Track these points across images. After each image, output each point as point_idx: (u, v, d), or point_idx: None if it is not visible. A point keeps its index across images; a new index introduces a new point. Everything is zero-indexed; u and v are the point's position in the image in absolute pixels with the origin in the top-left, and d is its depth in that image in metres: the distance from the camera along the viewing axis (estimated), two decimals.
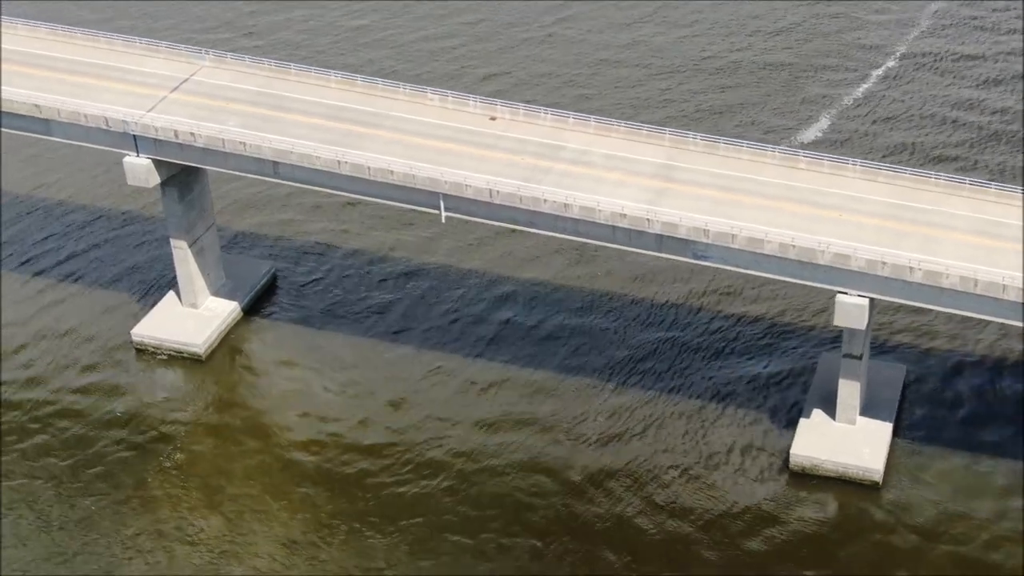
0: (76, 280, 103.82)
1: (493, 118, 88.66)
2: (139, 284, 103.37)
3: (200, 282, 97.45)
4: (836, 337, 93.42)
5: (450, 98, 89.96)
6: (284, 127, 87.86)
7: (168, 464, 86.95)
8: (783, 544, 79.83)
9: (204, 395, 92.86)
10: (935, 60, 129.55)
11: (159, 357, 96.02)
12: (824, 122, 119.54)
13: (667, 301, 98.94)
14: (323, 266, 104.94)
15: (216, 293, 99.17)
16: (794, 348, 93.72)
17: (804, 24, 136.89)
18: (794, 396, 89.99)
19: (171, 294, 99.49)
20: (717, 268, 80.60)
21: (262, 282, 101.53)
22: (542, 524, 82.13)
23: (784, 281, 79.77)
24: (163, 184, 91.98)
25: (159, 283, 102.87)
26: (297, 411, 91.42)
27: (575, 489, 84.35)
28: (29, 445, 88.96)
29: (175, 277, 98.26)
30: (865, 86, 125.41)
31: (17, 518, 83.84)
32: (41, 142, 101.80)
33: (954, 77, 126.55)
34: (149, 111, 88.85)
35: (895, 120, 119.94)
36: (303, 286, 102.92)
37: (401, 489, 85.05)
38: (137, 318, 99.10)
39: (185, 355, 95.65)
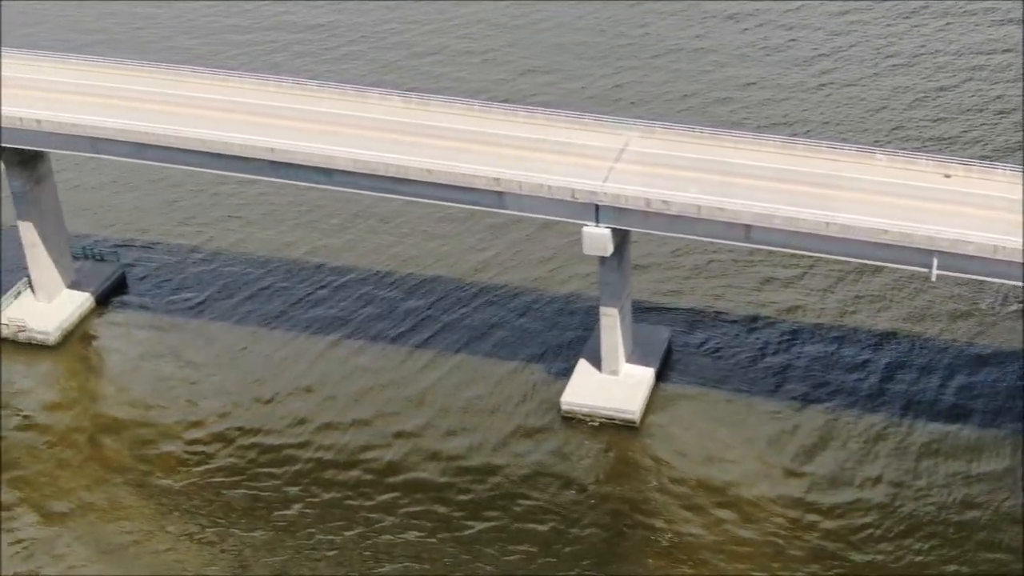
0: (461, 351, 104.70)
1: (947, 175, 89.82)
2: (515, 350, 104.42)
3: (620, 349, 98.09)
4: None
5: (900, 156, 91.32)
6: (741, 192, 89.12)
7: (664, 543, 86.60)
8: None
9: (656, 465, 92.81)
10: None
11: (590, 424, 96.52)
12: None
13: None
14: (711, 329, 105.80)
15: (628, 360, 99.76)
16: None
17: None
18: None
19: (583, 362, 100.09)
20: None
21: (664, 347, 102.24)
22: None
23: None
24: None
25: (534, 349, 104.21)
26: (753, 481, 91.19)
27: None
28: (497, 533, 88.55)
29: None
30: None
31: None
32: None
33: None
34: (605, 181, 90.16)
35: None
36: (698, 349, 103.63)
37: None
38: (535, 386, 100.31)
39: (618, 422, 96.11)
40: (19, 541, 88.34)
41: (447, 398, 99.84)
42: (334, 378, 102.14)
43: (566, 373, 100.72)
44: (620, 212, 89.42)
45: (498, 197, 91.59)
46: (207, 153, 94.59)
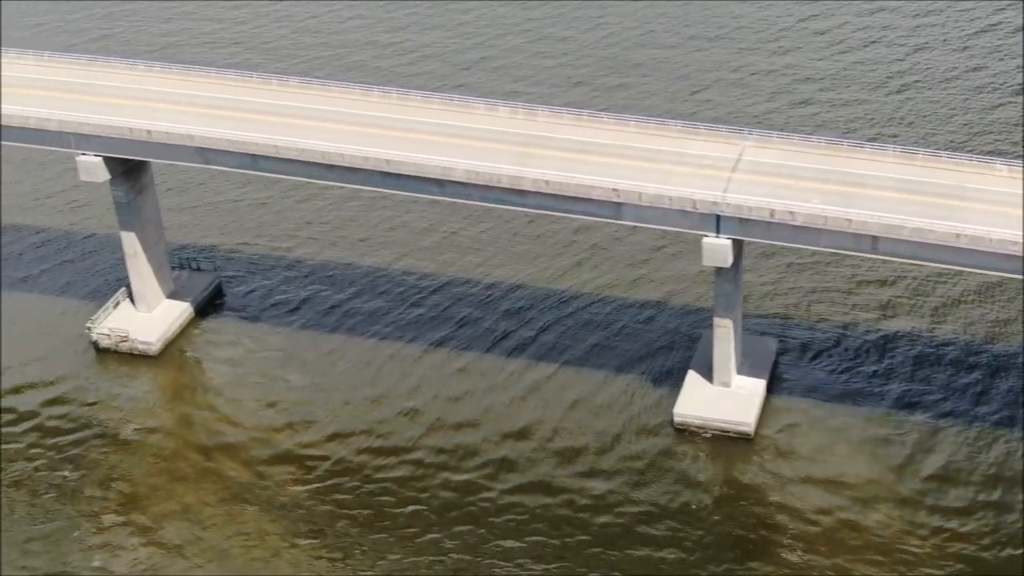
0: (559, 360, 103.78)
1: None
2: (614, 358, 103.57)
3: (732, 361, 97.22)
4: None
5: (1021, 166, 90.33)
6: (863, 202, 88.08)
7: (794, 554, 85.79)
8: None
9: (774, 476, 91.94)
10: None
11: (703, 436, 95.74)
12: None
13: None
14: (809, 335, 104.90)
15: (739, 371, 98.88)
16: None
17: None
18: None
19: (692, 373, 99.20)
20: None
21: (773, 358, 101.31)
22: None
23: None
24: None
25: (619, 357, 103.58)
26: (874, 489, 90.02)
27: None
28: (620, 538, 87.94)
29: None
30: None
31: None
32: None
33: None
34: (725, 192, 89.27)
35: None
36: (800, 356, 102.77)
37: None
38: (637, 395, 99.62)
39: (732, 434, 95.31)
40: (146, 544, 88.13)
41: (551, 406, 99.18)
42: (436, 383, 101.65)
43: (663, 380, 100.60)
44: (742, 223, 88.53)
45: (616, 208, 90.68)
46: (322, 164, 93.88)
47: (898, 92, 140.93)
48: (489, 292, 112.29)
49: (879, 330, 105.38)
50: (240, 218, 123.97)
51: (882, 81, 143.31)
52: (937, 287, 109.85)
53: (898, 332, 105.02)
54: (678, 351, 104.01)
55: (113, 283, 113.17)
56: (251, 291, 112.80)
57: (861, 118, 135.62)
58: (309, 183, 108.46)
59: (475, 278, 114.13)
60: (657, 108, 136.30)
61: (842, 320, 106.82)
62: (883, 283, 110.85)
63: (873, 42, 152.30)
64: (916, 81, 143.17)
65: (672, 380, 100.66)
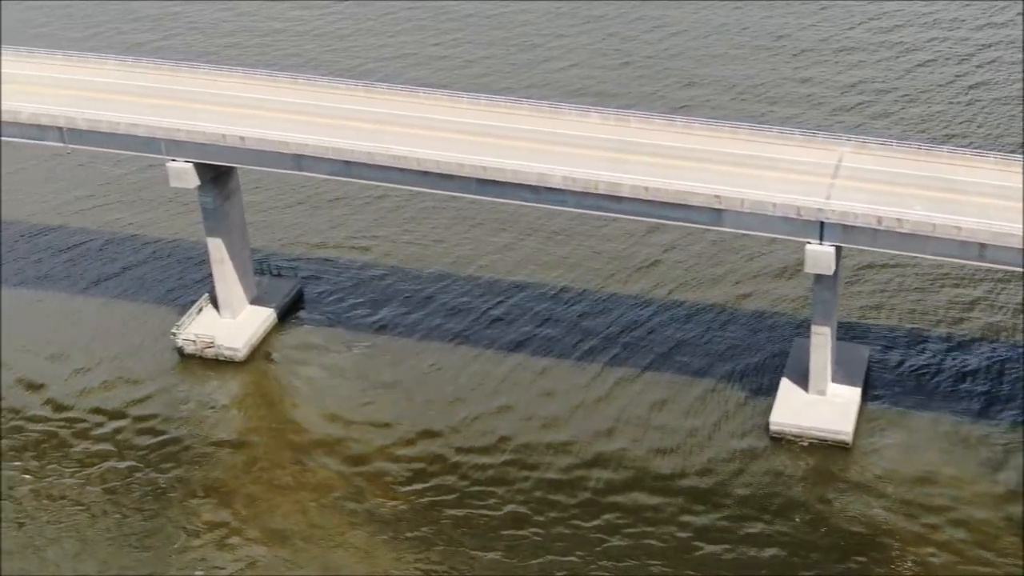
0: (646, 366, 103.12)
1: None
2: (701, 366, 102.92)
3: (828, 368, 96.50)
4: None
5: None
6: (966, 209, 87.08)
7: (902, 562, 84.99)
8: None
9: (877, 486, 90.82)
10: None
11: (800, 445, 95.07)
12: None
13: None
14: (890, 339, 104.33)
15: (833, 378, 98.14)
16: None
17: None
18: None
19: (785, 381, 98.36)
20: None
21: (866, 365, 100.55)
22: None
23: None
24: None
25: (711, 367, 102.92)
26: (978, 500, 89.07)
27: None
28: (726, 550, 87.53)
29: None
30: None
31: None
32: None
33: None
34: (828, 198, 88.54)
35: None
36: (885, 362, 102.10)
37: None
38: (729, 401, 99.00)
39: (830, 443, 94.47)
40: (247, 544, 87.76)
41: (638, 407, 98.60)
42: (520, 384, 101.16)
43: (747, 382, 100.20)
44: (847, 230, 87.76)
45: (716, 214, 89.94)
46: (416, 171, 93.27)
47: (965, 93, 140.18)
48: (566, 293, 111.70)
49: (963, 331, 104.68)
50: (312, 219, 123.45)
51: (944, 83, 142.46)
52: (1019, 287, 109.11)
53: (983, 333, 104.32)
54: (760, 353, 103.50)
55: (182, 287, 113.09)
56: (330, 294, 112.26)
57: (931, 119, 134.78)
58: (384, 189, 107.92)
59: (551, 279, 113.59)
60: (723, 110, 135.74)
61: (925, 321, 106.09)
62: (964, 283, 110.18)
63: (937, 42, 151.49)
64: (982, 82, 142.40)
65: (756, 382, 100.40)
